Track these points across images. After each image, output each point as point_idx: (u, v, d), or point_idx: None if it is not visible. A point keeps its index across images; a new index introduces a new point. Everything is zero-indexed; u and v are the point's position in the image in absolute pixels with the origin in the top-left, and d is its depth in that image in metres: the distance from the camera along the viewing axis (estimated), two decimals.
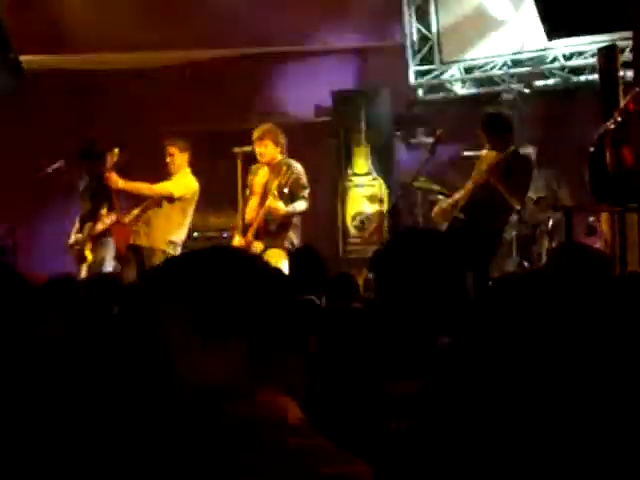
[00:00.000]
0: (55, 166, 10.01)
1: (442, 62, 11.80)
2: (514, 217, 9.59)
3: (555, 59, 10.89)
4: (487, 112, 8.87)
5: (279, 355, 1.78)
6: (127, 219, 9.43)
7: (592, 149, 5.66)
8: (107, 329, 4.05)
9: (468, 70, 11.66)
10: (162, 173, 9.47)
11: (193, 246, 10.12)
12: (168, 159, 9.41)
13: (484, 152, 9.67)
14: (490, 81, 11.49)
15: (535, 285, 2.64)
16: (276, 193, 8.60)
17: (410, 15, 11.81)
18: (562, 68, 10.87)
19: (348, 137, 11.76)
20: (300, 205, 8.75)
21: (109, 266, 9.54)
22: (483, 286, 3.59)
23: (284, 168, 8.72)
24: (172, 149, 9.40)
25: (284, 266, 7.35)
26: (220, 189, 9.94)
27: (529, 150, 9.86)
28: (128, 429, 2.26)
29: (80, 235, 9.71)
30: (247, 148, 8.90)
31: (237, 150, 9.02)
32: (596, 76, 8.28)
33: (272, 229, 8.75)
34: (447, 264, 2.81)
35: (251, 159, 9.02)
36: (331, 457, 1.69)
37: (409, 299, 2.76)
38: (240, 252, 2.02)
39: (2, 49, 9.75)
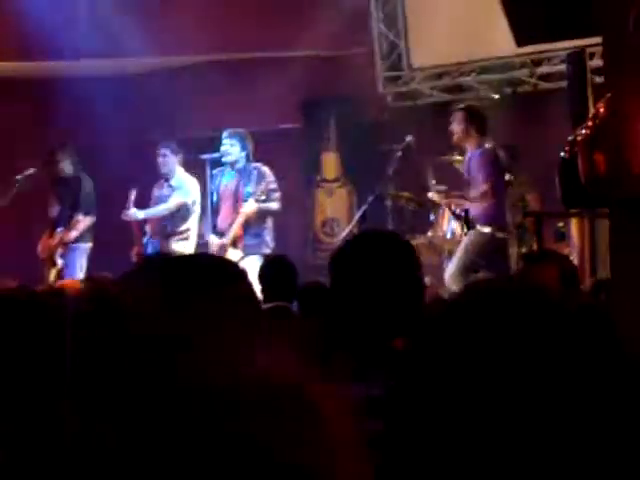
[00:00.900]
0: (27, 173, 9.98)
1: (411, 69, 11.80)
2: None
3: (524, 65, 10.91)
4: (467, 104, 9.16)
5: None
6: None
7: (563, 155, 5.65)
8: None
9: (437, 77, 11.66)
10: (149, 175, 9.50)
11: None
12: (160, 160, 9.43)
13: (459, 158, 9.74)
14: (459, 88, 11.50)
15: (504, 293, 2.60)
16: (250, 200, 8.60)
17: (378, 21, 11.80)
18: (531, 74, 10.90)
19: (317, 144, 11.75)
20: (272, 205, 8.76)
21: (80, 273, 9.48)
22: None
23: (255, 173, 8.71)
24: (164, 150, 9.44)
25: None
26: None
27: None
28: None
29: (51, 239, 9.67)
30: (216, 155, 8.90)
31: (206, 157, 9.02)
32: (565, 82, 8.31)
33: (249, 235, 8.74)
34: (403, 266, 2.80)
35: (221, 165, 9.01)
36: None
37: (364, 301, 2.75)
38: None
39: None
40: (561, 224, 9.16)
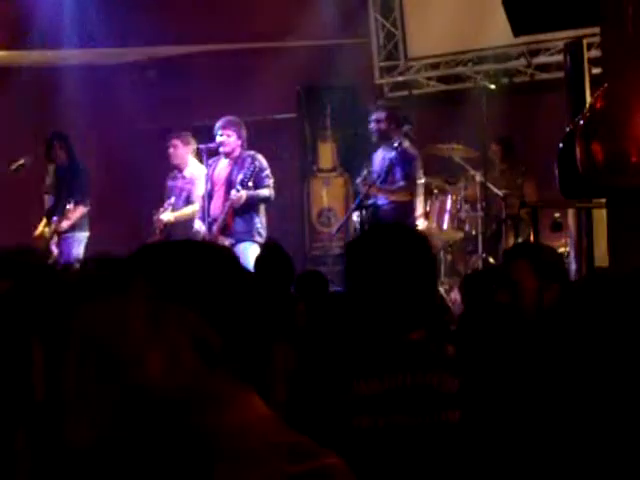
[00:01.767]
0: (19, 163, 9.93)
1: (407, 59, 11.79)
2: (480, 213, 9.63)
3: (521, 55, 10.90)
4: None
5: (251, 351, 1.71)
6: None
7: (561, 145, 5.65)
8: None
9: (433, 67, 11.65)
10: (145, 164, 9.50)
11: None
12: (170, 150, 9.42)
13: (456, 146, 9.76)
14: (456, 78, 11.49)
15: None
16: (240, 187, 8.58)
17: (375, 11, 11.78)
18: (528, 65, 10.89)
19: (314, 133, 11.74)
20: (263, 192, 8.74)
21: (75, 262, 9.45)
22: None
23: (248, 160, 8.70)
24: (175, 141, 9.43)
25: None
26: None
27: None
28: None
29: (47, 229, 9.65)
30: (212, 144, 8.89)
31: (202, 146, 9.01)
32: (562, 73, 8.30)
33: (239, 223, 8.73)
34: (415, 258, 2.79)
35: (216, 154, 9.00)
36: (305, 452, 1.63)
37: (380, 293, 2.73)
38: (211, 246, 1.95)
39: None
40: (558, 214, 9.15)
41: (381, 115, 9.57)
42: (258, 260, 6.25)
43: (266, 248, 7.00)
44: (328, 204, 11.69)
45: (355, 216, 9.45)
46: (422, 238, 2.91)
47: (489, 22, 10.19)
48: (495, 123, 9.87)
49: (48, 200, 9.85)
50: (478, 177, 9.70)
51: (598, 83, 6.41)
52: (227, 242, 8.64)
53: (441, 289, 8.98)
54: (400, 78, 11.85)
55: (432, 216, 9.78)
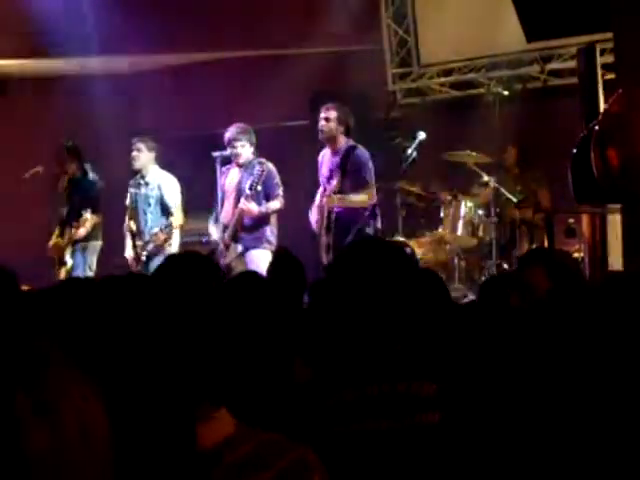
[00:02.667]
0: (33, 171, 9.96)
1: (420, 65, 11.80)
2: (494, 219, 9.63)
3: (534, 61, 10.90)
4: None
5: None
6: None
7: (575, 150, 5.66)
8: None
9: (447, 73, 11.65)
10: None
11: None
12: (134, 153, 9.38)
13: (470, 153, 9.74)
14: (469, 84, 11.49)
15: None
16: (249, 193, 8.59)
17: (388, 18, 11.80)
18: (541, 70, 10.89)
19: None
20: (274, 204, 8.75)
21: (89, 272, 9.47)
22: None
23: (257, 167, 8.71)
24: (140, 145, 9.39)
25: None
26: (199, 193, 9.89)
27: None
28: None
29: (61, 239, 9.66)
30: (226, 152, 8.89)
31: (216, 154, 9.00)
32: (575, 78, 8.29)
33: (249, 230, 8.74)
34: (398, 273, 2.83)
35: (230, 162, 9.01)
36: (277, 449, 1.76)
37: (365, 306, 2.78)
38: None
39: None
40: (572, 220, 9.15)
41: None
42: (269, 268, 6.23)
43: (277, 256, 6.99)
44: None
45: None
46: (400, 251, 2.96)
47: (502, 28, 10.20)
48: (508, 129, 9.87)
49: (61, 210, 9.85)
50: (492, 183, 9.70)
51: (611, 89, 6.43)
52: (238, 249, 8.66)
53: (455, 295, 8.97)
54: (413, 85, 11.86)
55: (446, 222, 9.79)
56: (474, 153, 9.77)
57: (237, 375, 2.64)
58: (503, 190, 9.71)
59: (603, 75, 7.46)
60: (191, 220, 10.58)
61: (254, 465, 1.73)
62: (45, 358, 1.25)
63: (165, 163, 9.70)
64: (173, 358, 1.70)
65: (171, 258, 4.20)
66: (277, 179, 8.80)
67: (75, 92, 11.50)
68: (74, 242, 9.56)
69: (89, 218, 9.56)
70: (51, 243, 9.73)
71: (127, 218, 9.51)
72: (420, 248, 9.64)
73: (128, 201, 9.55)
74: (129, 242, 9.40)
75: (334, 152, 8.82)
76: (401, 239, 9.61)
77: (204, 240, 10.34)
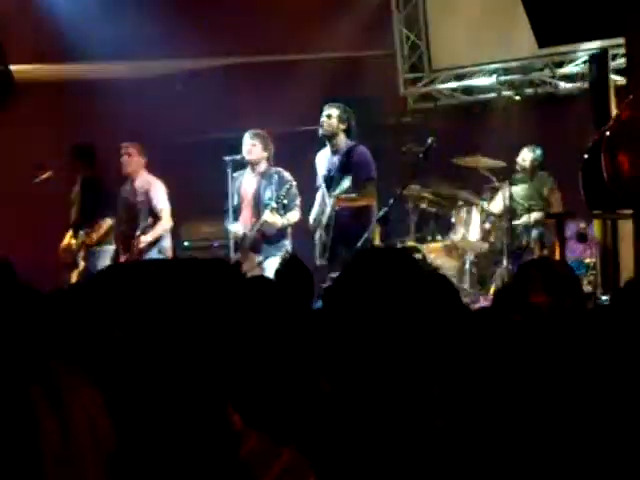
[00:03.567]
0: (44, 177, 9.96)
1: (432, 70, 11.80)
2: (505, 224, 9.62)
3: (546, 66, 10.89)
4: None
5: None
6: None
7: (586, 156, 5.65)
8: None
9: (458, 78, 11.65)
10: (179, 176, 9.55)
11: (184, 255, 10.10)
12: (124, 158, 9.39)
13: (482, 159, 9.73)
14: (480, 89, 11.49)
15: None
16: (275, 206, 8.58)
17: (400, 23, 11.80)
18: (552, 75, 10.88)
19: None
20: (294, 216, 8.77)
21: None
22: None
23: (276, 177, 8.71)
24: (131, 149, 9.41)
25: None
26: (211, 198, 9.90)
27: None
28: None
29: (73, 241, 9.66)
30: (237, 157, 8.89)
31: (228, 158, 9.00)
32: (586, 84, 8.29)
33: (270, 240, 8.73)
34: (410, 277, 2.83)
35: (242, 167, 9.01)
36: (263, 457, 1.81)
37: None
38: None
39: None
40: (583, 225, 9.14)
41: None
42: (276, 274, 6.23)
43: (284, 261, 6.97)
44: None
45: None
46: (409, 258, 2.94)
47: (513, 33, 10.20)
48: (520, 134, 9.86)
49: (74, 212, 9.86)
50: (503, 188, 9.69)
51: (623, 94, 6.42)
52: (257, 258, 8.65)
53: (466, 300, 8.96)
54: (424, 89, 11.87)
55: (458, 227, 9.78)
56: (485, 158, 9.76)
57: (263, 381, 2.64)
58: (515, 195, 9.70)
59: (615, 80, 7.47)
60: (202, 225, 10.62)
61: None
62: (60, 362, 1.28)
63: (177, 167, 9.72)
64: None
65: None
66: (295, 189, 8.81)
67: (91, 95, 11.51)
68: (87, 246, 9.58)
69: (103, 222, 9.57)
70: (63, 245, 9.72)
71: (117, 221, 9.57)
72: (431, 253, 9.63)
73: (119, 205, 9.60)
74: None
75: (334, 152, 8.82)
76: (412, 244, 9.60)
77: (215, 244, 10.37)
